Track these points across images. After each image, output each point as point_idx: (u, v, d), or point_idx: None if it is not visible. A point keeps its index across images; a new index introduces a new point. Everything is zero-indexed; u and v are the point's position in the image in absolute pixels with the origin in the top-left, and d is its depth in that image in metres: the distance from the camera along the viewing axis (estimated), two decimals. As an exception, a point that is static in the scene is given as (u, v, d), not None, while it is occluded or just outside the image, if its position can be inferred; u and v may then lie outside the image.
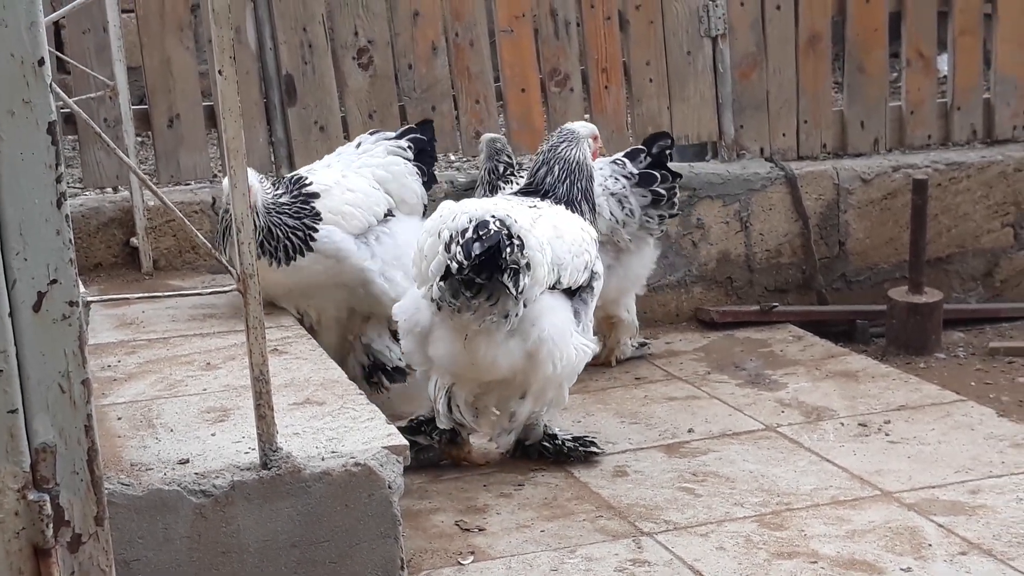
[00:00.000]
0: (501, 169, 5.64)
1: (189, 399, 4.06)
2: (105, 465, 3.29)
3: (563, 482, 4.60)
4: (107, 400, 4.02)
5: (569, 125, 5.07)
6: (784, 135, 6.60)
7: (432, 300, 4.43)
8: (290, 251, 4.89)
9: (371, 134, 5.49)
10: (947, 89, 6.92)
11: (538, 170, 4.94)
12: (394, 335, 5.01)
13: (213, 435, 3.73)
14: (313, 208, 4.95)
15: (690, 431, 5.03)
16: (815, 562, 3.94)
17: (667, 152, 5.66)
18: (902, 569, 3.89)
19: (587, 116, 6.41)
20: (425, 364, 4.65)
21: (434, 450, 4.78)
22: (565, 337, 4.55)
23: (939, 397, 5.32)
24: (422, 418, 4.77)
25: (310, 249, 4.92)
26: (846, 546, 4.04)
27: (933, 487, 4.46)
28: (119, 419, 3.86)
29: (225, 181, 4.55)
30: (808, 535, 4.12)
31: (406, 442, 3.69)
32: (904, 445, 4.84)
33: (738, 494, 4.44)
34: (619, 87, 6.38)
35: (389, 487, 3.57)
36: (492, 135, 5.81)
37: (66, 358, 2.55)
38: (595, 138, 5.08)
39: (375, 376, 5.22)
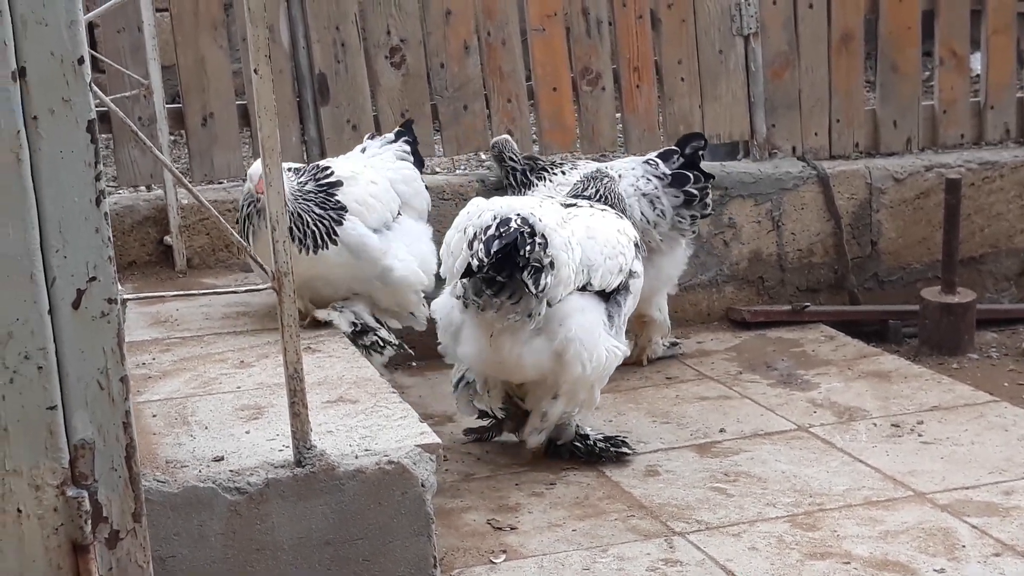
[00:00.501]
0: (518, 170, 5.65)
1: (223, 397, 4.07)
2: (141, 462, 3.31)
3: (595, 481, 4.60)
4: (142, 397, 4.04)
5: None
6: (816, 134, 6.58)
7: (458, 298, 4.48)
8: (318, 239, 4.81)
9: (370, 138, 5.48)
10: (980, 88, 6.89)
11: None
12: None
13: (247, 433, 3.74)
14: (337, 201, 4.88)
15: (722, 431, 5.02)
16: (848, 563, 3.93)
17: (700, 153, 5.65)
18: (935, 570, 3.87)
19: (619, 115, 6.42)
20: (456, 360, 4.68)
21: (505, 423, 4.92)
22: (594, 338, 4.54)
23: (972, 398, 5.30)
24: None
25: (334, 242, 4.83)
26: (879, 547, 4.02)
27: (967, 488, 4.44)
28: (154, 416, 3.88)
29: (255, 165, 4.54)
30: (841, 536, 4.11)
31: (438, 440, 3.70)
32: (937, 446, 4.82)
33: (770, 494, 4.43)
34: (651, 86, 6.38)
35: (422, 485, 3.58)
36: (493, 141, 5.85)
37: (105, 355, 2.57)
38: None
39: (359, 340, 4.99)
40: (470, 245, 4.31)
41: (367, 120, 6.03)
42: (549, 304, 4.42)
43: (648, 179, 5.52)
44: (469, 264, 4.29)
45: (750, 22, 6.41)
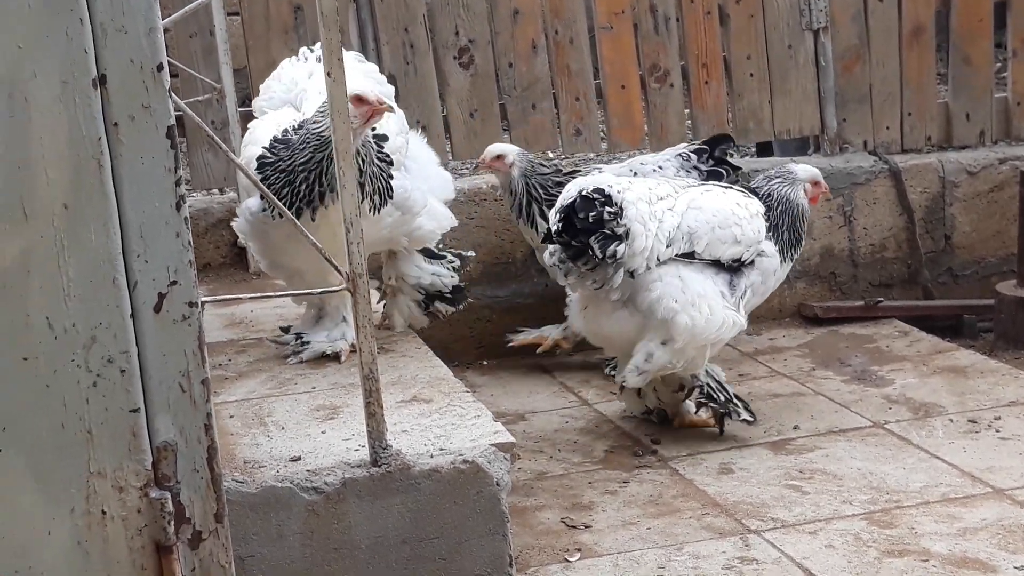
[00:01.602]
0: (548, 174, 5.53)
1: (299, 397, 4.11)
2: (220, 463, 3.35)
3: (668, 479, 4.59)
4: (219, 398, 4.08)
5: (791, 166, 5.14)
6: (888, 128, 6.53)
7: (550, 267, 4.76)
8: (383, 197, 4.37)
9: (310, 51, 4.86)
10: (1055, 79, 6.80)
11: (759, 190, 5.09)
12: (428, 255, 4.83)
13: (323, 433, 3.77)
14: (386, 154, 4.43)
15: (795, 428, 4.99)
16: (926, 560, 3.89)
17: (728, 154, 5.57)
18: (1016, 567, 3.82)
19: (687, 111, 6.40)
20: None
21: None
22: (695, 296, 4.66)
23: (1050, 393, 5.24)
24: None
25: (390, 198, 4.42)
26: (958, 544, 3.98)
27: (1046, 484, 4.40)
28: (231, 417, 3.92)
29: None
30: (919, 533, 4.07)
31: (512, 439, 3.72)
32: (1015, 442, 4.77)
33: (846, 491, 4.40)
34: (719, 82, 6.35)
35: (497, 484, 3.60)
36: (514, 149, 5.63)
37: (186, 358, 2.61)
38: (815, 183, 5.09)
39: (432, 306, 4.85)
40: (554, 215, 4.60)
41: (436, 121, 6.05)
42: (632, 276, 4.59)
43: (688, 172, 5.45)
44: (549, 229, 4.61)
45: (819, 16, 6.36)
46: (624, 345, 4.78)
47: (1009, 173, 6.45)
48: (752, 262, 4.82)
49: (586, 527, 4.25)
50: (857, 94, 6.47)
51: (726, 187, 4.97)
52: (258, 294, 4.49)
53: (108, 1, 2.49)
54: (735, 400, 4.87)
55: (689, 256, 4.68)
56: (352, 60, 4.80)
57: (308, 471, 3.50)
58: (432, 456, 3.58)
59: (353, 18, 5.98)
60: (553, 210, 4.63)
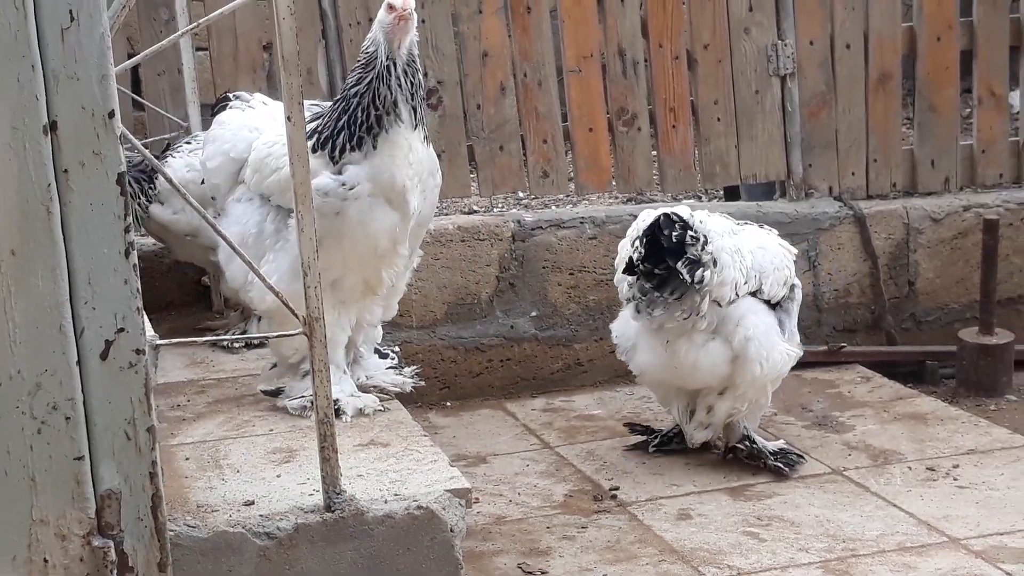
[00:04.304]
0: None
1: (256, 439, 4.10)
2: (172, 506, 3.33)
3: (626, 525, 4.59)
4: (175, 440, 4.07)
5: None
6: (853, 174, 6.56)
7: (628, 301, 4.71)
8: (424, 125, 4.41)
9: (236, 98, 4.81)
10: (1020, 126, 6.85)
11: None
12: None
13: (278, 476, 3.77)
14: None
15: (754, 474, 4.99)
16: (880, 610, 3.90)
17: None
18: (969, 619, 3.84)
19: (654, 155, 6.43)
20: (635, 371, 4.99)
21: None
22: (771, 338, 4.78)
23: (1009, 441, 5.25)
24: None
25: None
26: (912, 594, 4.00)
27: (1001, 534, 4.40)
28: (187, 459, 3.91)
29: None
30: (874, 582, 4.08)
31: (468, 485, 3.72)
32: (973, 490, 4.78)
33: (803, 539, 4.41)
34: (687, 126, 6.38)
35: (451, 530, 3.59)
36: None
37: (132, 405, 2.60)
38: None
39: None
40: (632, 244, 4.59)
41: (403, 160, 6.04)
42: (719, 305, 4.66)
43: None
44: (630, 258, 4.59)
45: (787, 63, 6.40)
46: (713, 380, 4.81)
47: (973, 220, 6.48)
48: (791, 296, 4.95)
49: (543, 573, 4.24)
50: (823, 140, 6.51)
51: (768, 230, 5.09)
52: (214, 338, 4.48)
53: (60, 48, 2.50)
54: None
55: (753, 294, 4.79)
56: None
57: (261, 516, 3.49)
58: (386, 502, 3.58)
59: (322, 57, 5.98)
60: (629, 238, 4.64)
